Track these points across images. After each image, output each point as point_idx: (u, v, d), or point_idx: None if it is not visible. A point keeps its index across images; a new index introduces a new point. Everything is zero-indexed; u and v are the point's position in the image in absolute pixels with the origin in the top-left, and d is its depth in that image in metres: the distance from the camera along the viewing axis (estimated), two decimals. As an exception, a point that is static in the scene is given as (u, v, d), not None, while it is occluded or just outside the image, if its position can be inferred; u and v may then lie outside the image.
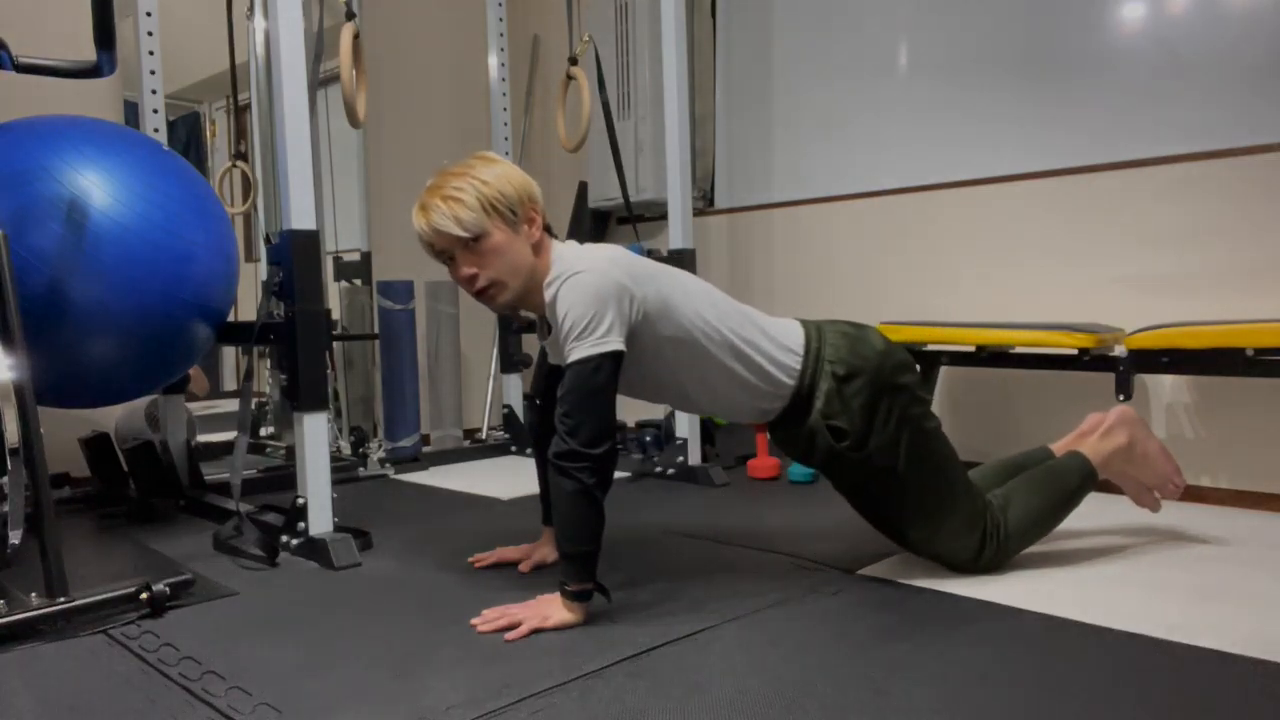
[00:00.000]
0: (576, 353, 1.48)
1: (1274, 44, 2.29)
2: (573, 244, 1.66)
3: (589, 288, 1.49)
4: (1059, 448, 1.91)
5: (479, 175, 1.56)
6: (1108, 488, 2.44)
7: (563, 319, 1.50)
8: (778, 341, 1.66)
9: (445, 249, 1.58)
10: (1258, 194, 2.31)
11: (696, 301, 1.62)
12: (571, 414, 1.46)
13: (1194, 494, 2.40)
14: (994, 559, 1.71)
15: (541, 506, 1.90)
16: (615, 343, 1.48)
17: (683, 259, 2.89)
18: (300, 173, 1.96)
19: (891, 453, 1.64)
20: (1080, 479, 1.79)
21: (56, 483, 2.65)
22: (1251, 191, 2.32)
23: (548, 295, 1.55)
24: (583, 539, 1.47)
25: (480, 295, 1.60)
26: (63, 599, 1.53)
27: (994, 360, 2.51)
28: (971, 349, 2.50)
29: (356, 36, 2.24)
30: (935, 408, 2.87)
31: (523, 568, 1.82)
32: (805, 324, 1.73)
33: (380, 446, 3.10)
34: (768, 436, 2.85)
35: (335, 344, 3.33)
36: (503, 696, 1.22)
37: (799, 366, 1.66)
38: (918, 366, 1.74)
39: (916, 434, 1.66)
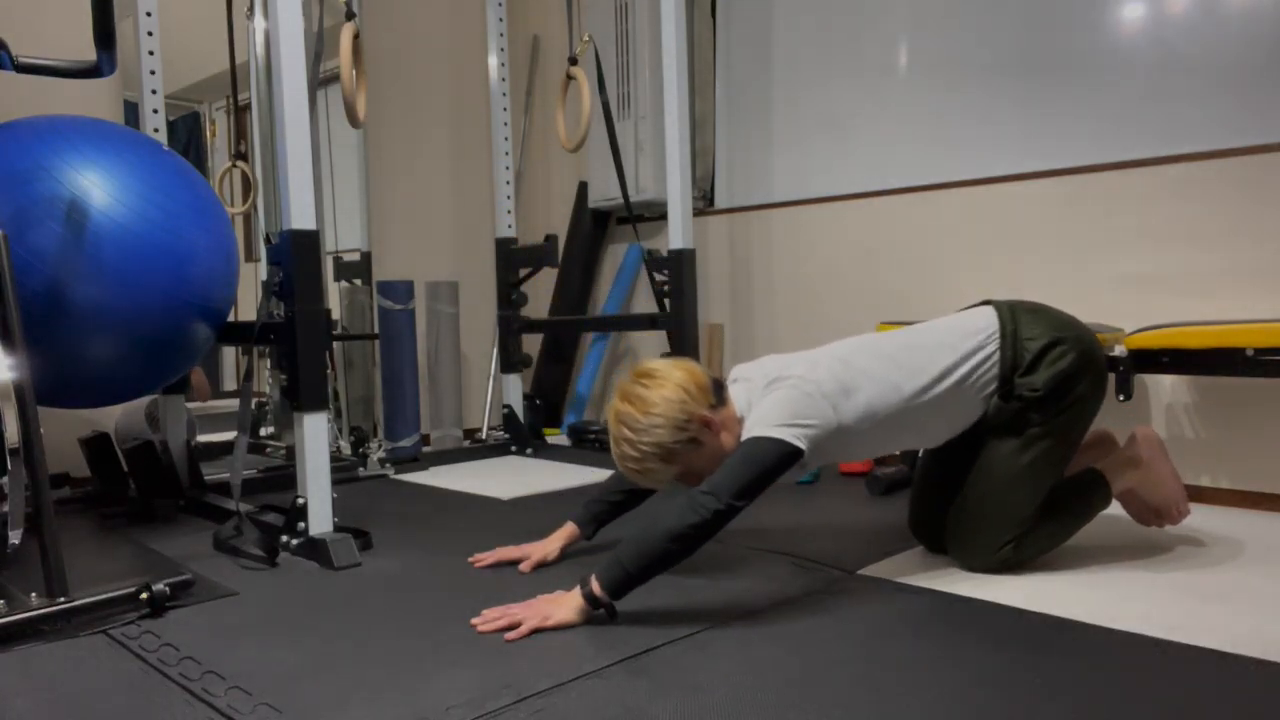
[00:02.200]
0: (759, 430, 1.55)
1: (1273, 44, 2.29)
2: (745, 382, 1.71)
3: (771, 409, 1.59)
4: (1072, 466, 1.91)
5: (646, 440, 1.61)
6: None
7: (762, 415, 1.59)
8: (967, 348, 1.70)
9: None
10: (1258, 194, 2.31)
11: (887, 382, 1.66)
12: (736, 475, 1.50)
13: (1194, 494, 2.40)
14: (1004, 562, 1.71)
15: (584, 509, 1.90)
16: (801, 441, 1.54)
17: (682, 259, 2.90)
18: (300, 173, 1.96)
19: (1049, 420, 1.69)
20: (1099, 499, 1.82)
21: (56, 483, 2.65)
22: (1251, 191, 2.32)
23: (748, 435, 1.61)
24: (649, 568, 1.47)
25: None
26: (63, 599, 1.53)
27: (994, 360, 2.51)
28: (971, 349, 2.50)
29: (356, 36, 2.24)
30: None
31: (523, 568, 1.82)
32: (997, 307, 1.77)
33: (380, 446, 3.10)
34: None
35: (335, 344, 3.33)
36: (503, 696, 1.22)
37: (996, 349, 1.70)
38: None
39: (1078, 417, 1.72)
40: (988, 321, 1.74)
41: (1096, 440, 1.94)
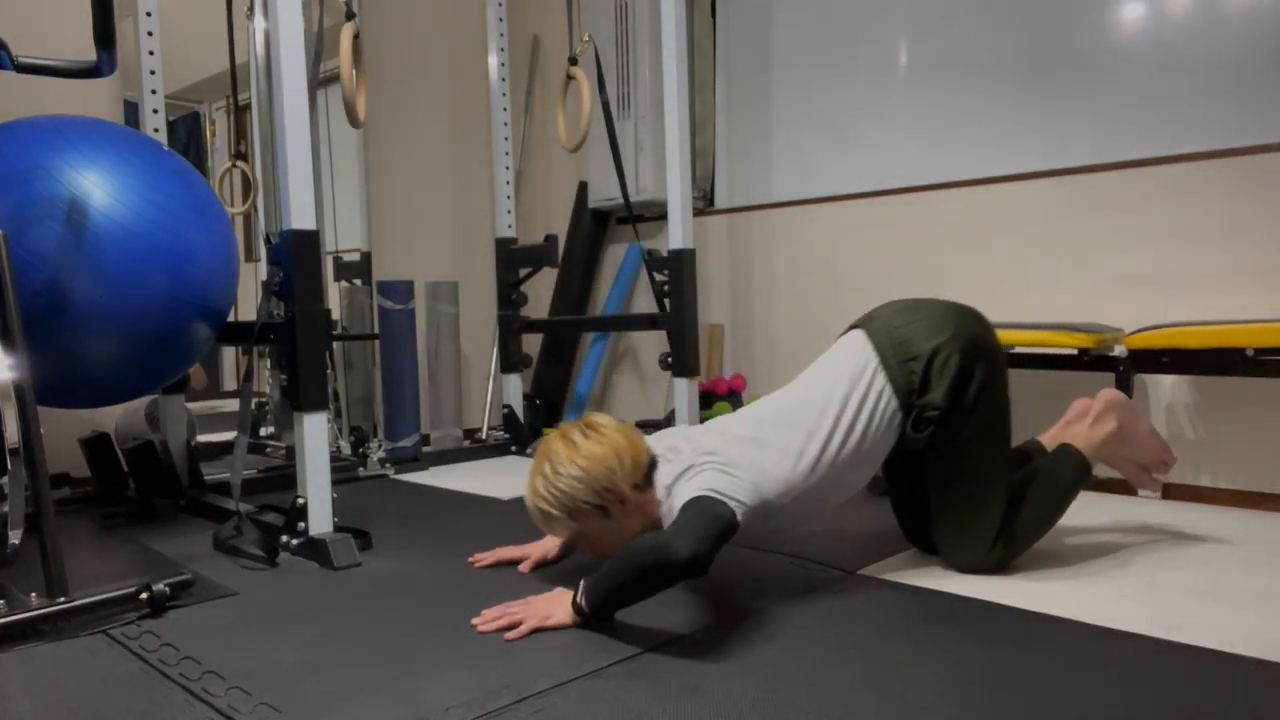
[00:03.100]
0: (694, 493, 1.49)
1: (1273, 44, 2.29)
2: (665, 464, 1.65)
3: (688, 489, 1.53)
4: (1048, 438, 1.92)
5: (559, 488, 1.60)
6: (1106, 487, 2.45)
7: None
8: (859, 392, 1.66)
9: None
10: (1258, 194, 2.31)
11: (795, 452, 1.62)
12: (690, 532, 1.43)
13: (1194, 494, 2.40)
14: (999, 560, 1.71)
15: None
16: (737, 514, 1.49)
17: (682, 259, 2.90)
18: (300, 173, 1.96)
19: (970, 417, 1.67)
20: (1074, 474, 1.80)
21: (56, 483, 2.65)
22: (1251, 191, 2.32)
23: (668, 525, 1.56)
24: (623, 598, 1.45)
25: None
26: (63, 599, 1.53)
27: (994, 360, 2.51)
28: (971, 349, 2.50)
29: (356, 36, 2.24)
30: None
31: (523, 568, 1.82)
32: (869, 333, 1.71)
33: (380, 446, 3.10)
34: None
35: (335, 344, 3.33)
36: (503, 696, 1.22)
37: (887, 381, 1.66)
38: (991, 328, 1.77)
39: (992, 400, 1.69)
40: (866, 356, 1.69)
41: (1076, 415, 1.92)
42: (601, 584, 1.44)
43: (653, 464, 1.65)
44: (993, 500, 1.70)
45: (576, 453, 1.60)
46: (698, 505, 1.47)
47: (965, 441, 1.68)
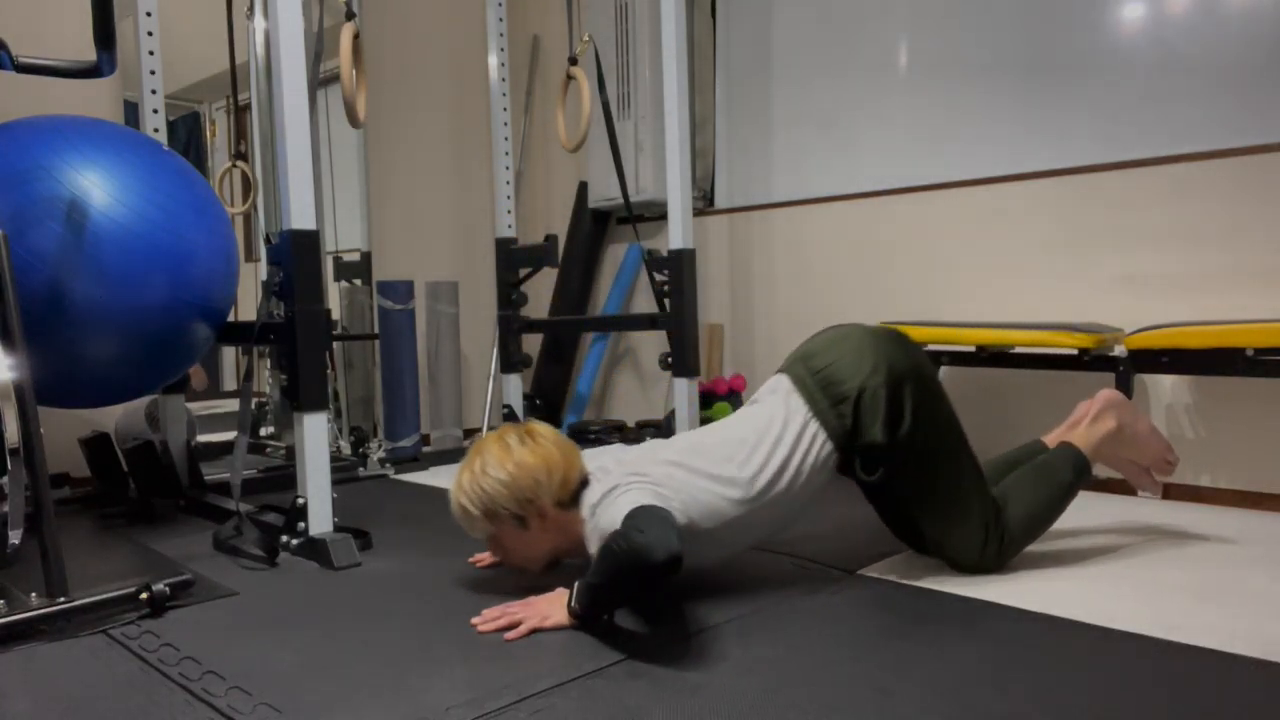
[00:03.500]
0: (620, 519, 1.45)
1: (1274, 44, 2.29)
2: (594, 482, 1.62)
3: (612, 511, 1.50)
4: (1050, 440, 1.91)
5: (483, 486, 1.59)
6: (1106, 487, 2.45)
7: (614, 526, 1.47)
8: (799, 434, 1.64)
9: None
10: (1257, 194, 2.31)
11: (710, 482, 1.59)
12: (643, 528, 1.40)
13: (1194, 494, 2.40)
14: (996, 558, 1.71)
15: None
16: (647, 499, 1.48)
17: (682, 259, 2.90)
18: (300, 173, 1.96)
19: (916, 442, 1.64)
20: (1074, 471, 1.79)
21: (56, 483, 2.65)
22: (1251, 192, 2.32)
23: (592, 550, 1.55)
24: (615, 596, 1.45)
25: None
26: (63, 599, 1.53)
27: (994, 360, 2.51)
28: (971, 349, 2.50)
29: (356, 36, 2.24)
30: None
31: (523, 568, 1.82)
32: (796, 382, 1.68)
33: (380, 446, 3.10)
34: None
35: (335, 344, 3.33)
36: (503, 696, 1.22)
37: (820, 426, 1.64)
38: (917, 345, 1.73)
39: (933, 419, 1.66)
40: (796, 403, 1.66)
41: (1079, 417, 1.90)
42: (589, 587, 1.44)
43: (584, 483, 1.62)
44: (973, 504, 1.69)
45: (508, 457, 1.59)
46: (645, 513, 1.43)
47: (923, 462, 1.66)
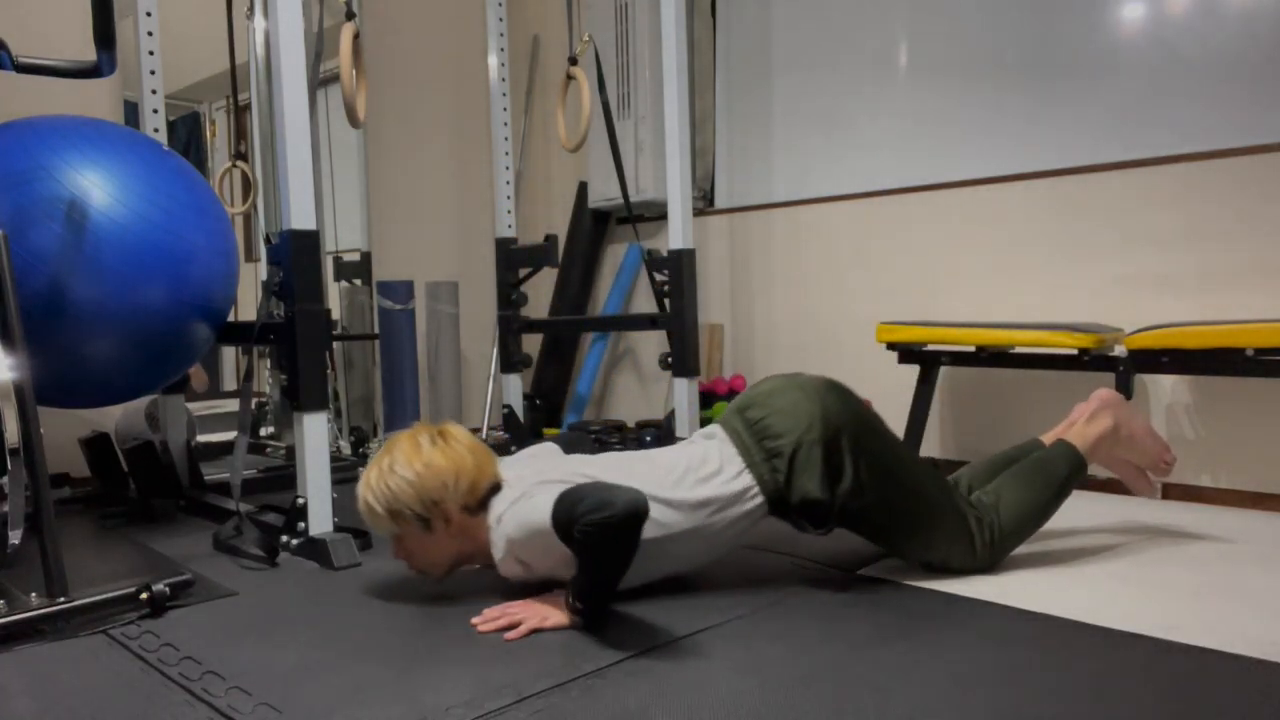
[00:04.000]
0: (549, 511, 1.42)
1: (1274, 44, 2.29)
2: (505, 488, 1.60)
3: (521, 513, 1.49)
4: (1048, 439, 1.91)
5: (389, 485, 1.57)
6: (1106, 486, 2.45)
7: (533, 539, 1.48)
8: (723, 477, 1.61)
9: None
10: (1257, 194, 2.31)
11: (640, 480, 1.55)
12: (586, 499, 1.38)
13: (1194, 494, 2.40)
14: (991, 556, 1.71)
15: None
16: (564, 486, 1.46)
17: (682, 259, 2.90)
18: (300, 173, 1.96)
19: (863, 493, 1.61)
20: (1069, 467, 1.78)
21: (56, 483, 2.65)
22: (1251, 192, 2.32)
23: (498, 555, 1.55)
24: (602, 572, 1.44)
25: None
26: (63, 599, 1.53)
27: (994, 360, 2.51)
28: (971, 349, 2.50)
29: (356, 36, 2.24)
30: (936, 408, 2.87)
31: (523, 568, 1.82)
32: (731, 434, 1.66)
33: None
34: None
35: (335, 344, 3.33)
36: (503, 696, 1.22)
37: (754, 479, 1.61)
38: (849, 390, 1.69)
39: (877, 466, 1.62)
40: (730, 452, 1.64)
41: (1076, 417, 1.90)
42: (578, 578, 1.44)
43: (494, 489, 1.60)
44: (944, 519, 1.67)
45: (418, 457, 1.57)
46: (571, 491, 1.40)
47: (877, 506, 1.63)
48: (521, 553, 1.53)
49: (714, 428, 1.72)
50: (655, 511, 1.51)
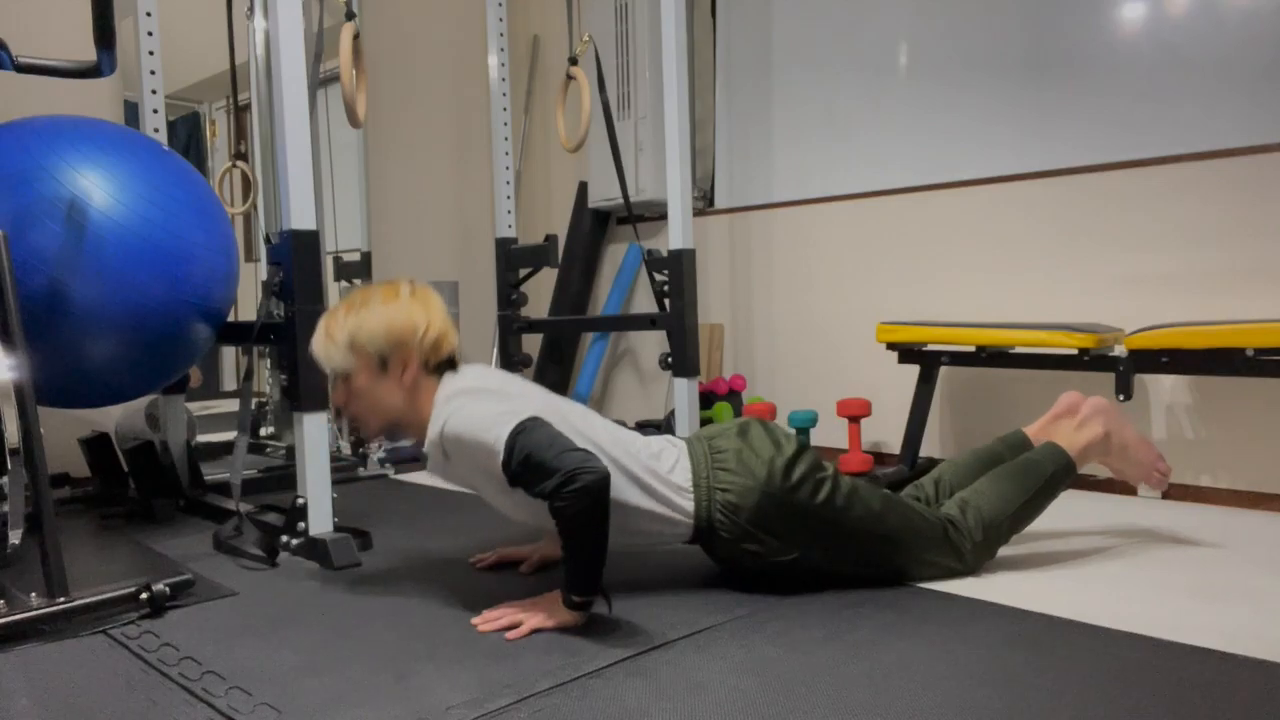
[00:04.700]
0: (503, 440, 1.42)
1: (1274, 44, 2.29)
2: (464, 373, 1.61)
3: (475, 410, 1.48)
4: (1034, 430, 1.90)
5: (359, 317, 1.57)
6: (1105, 487, 2.45)
7: (472, 445, 1.47)
8: (670, 481, 1.59)
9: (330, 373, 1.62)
10: (1257, 194, 2.31)
11: (593, 433, 1.56)
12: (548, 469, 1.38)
13: (1194, 494, 2.40)
14: (977, 559, 1.70)
15: None
16: (527, 413, 1.46)
17: (682, 259, 2.90)
18: (300, 173, 1.96)
19: (816, 543, 1.61)
20: (1057, 469, 1.77)
21: (56, 483, 2.65)
22: (1251, 192, 2.32)
23: (432, 431, 1.52)
24: (584, 543, 1.42)
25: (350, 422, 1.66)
26: (63, 599, 1.53)
27: (994, 360, 2.51)
28: (971, 349, 2.50)
29: (356, 36, 2.24)
30: (935, 408, 2.87)
31: (524, 569, 1.82)
32: (691, 450, 1.64)
33: (380, 446, 3.10)
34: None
35: (335, 344, 3.32)
36: (503, 696, 1.22)
37: (693, 501, 1.59)
38: (802, 441, 1.66)
39: (829, 518, 1.60)
40: (684, 465, 1.61)
41: (1064, 409, 1.89)
42: (565, 561, 1.44)
43: (453, 364, 1.61)
44: (917, 540, 1.64)
45: (395, 301, 1.58)
46: (523, 440, 1.40)
47: (840, 551, 1.63)
48: (452, 448, 1.51)
49: (680, 440, 1.70)
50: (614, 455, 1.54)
